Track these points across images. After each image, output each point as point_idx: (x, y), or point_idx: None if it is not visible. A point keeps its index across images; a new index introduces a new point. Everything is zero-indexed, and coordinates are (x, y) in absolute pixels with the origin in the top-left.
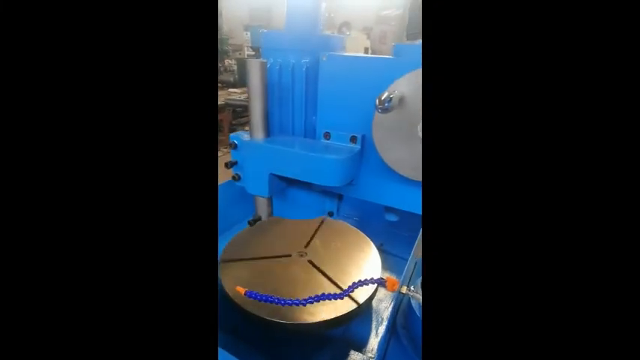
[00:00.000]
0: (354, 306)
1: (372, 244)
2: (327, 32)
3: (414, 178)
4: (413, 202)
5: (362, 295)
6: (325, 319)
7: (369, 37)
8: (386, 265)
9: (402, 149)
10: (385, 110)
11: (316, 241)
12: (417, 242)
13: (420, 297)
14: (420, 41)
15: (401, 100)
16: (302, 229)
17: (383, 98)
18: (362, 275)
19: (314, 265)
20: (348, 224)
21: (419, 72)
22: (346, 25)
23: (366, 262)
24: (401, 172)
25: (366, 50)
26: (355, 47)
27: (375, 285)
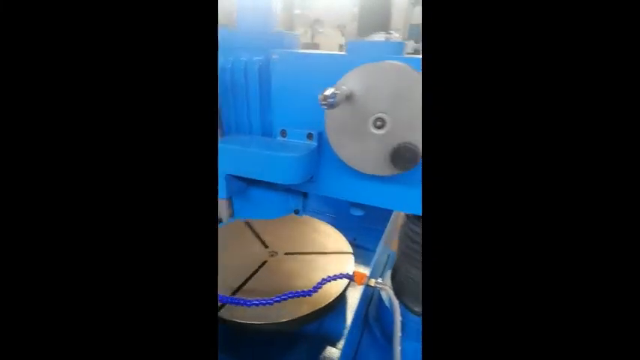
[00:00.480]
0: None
1: (344, 239)
2: (300, 30)
3: (369, 173)
4: (374, 196)
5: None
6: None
7: (343, 34)
8: (359, 260)
9: (356, 145)
10: (330, 106)
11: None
12: (384, 234)
13: (388, 288)
14: (373, 37)
15: (349, 96)
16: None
17: (327, 94)
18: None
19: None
20: (320, 220)
21: (366, 67)
22: (319, 22)
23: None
24: (357, 168)
25: (340, 47)
26: (329, 44)
27: (347, 280)
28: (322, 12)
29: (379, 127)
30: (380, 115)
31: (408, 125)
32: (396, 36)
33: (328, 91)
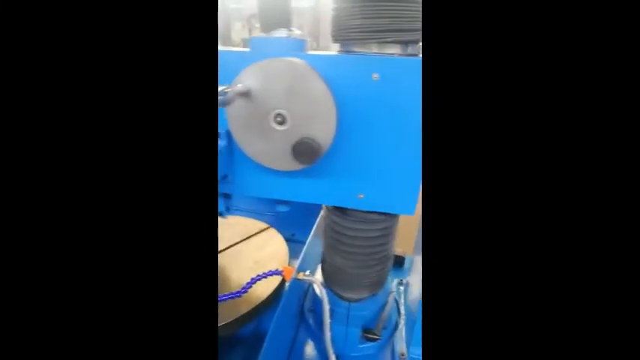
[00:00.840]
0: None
1: (279, 236)
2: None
3: (277, 168)
4: (289, 190)
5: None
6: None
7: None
8: (298, 255)
9: (260, 141)
10: (221, 104)
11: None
12: (314, 227)
13: (315, 280)
14: (275, 32)
15: (247, 92)
16: None
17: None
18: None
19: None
20: (252, 219)
21: (262, 64)
22: (255, 16)
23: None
24: (264, 164)
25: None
26: None
27: (280, 276)
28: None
29: (280, 123)
30: (279, 111)
31: (305, 120)
32: (297, 32)
33: (218, 89)
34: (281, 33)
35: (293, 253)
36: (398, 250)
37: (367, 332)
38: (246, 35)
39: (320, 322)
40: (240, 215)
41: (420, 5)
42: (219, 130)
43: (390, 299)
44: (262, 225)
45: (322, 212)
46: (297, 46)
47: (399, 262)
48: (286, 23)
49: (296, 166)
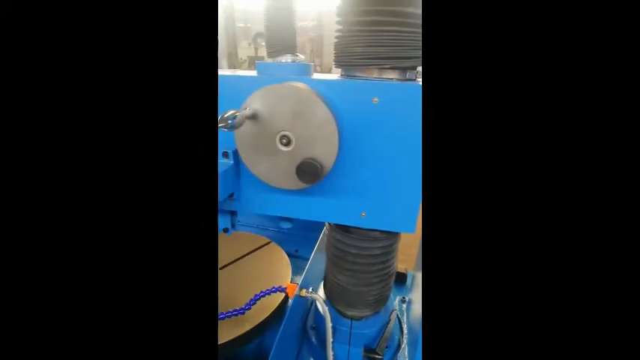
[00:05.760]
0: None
1: (282, 252)
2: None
3: (282, 187)
4: (293, 208)
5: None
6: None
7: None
8: (301, 271)
9: (267, 161)
10: (231, 128)
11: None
12: (317, 243)
13: (318, 296)
14: (281, 58)
15: (254, 115)
16: None
17: (225, 116)
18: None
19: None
20: (257, 235)
21: (268, 88)
22: (261, 35)
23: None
24: (270, 183)
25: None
26: None
27: (282, 293)
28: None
29: (286, 145)
30: (285, 133)
31: (309, 142)
32: (301, 57)
33: (227, 114)
34: (287, 58)
35: (296, 269)
36: (400, 267)
37: (369, 352)
38: (252, 53)
39: (322, 340)
40: (244, 230)
41: (418, 34)
42: (227, 151)
43: (393, 317)
44: (264, 240)
45: (325, 229)
46: (302, 71)
47: (401, 279)
48: (292, 48)
49: (300, 185)
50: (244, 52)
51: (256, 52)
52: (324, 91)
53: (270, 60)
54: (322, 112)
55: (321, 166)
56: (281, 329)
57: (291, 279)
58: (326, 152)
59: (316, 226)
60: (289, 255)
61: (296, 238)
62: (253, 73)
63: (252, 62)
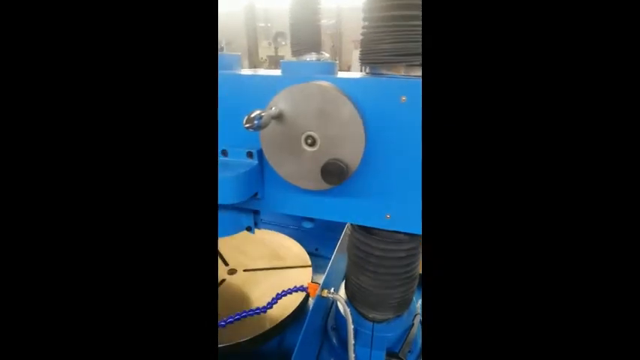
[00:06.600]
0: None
1: (304, 251)
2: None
3: (306, 188)
4: (316, 209)
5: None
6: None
7: None
8: (322, 270)
9: (292, 162)
10: (257, 128)
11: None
12: (339, 243)
13: (340, 297)
14: (305, 57)
15: (280, 115)
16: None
17: (252, 117)
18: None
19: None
20: (281, 234)
21: (293, 88)
22: (281, 35)
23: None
24: (294, 183)
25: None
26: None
27: (304, 292)
28: (284, 25)
29: (311, 145)
30: (310, 133)
31: (335, 142)
32: (326, 56)
33: (253, 114)
34: (311, 57)
35: (316, 268)
36: None
37: (392, 356)
38: (271, 53)
39: (343, 342)
40: (266, 229)
41: None
42: (251, 150)
43: (416, 321)
44: (304, 256)
45: (346, 230)
46: (327, 69)
47: None
48: (316, 46)
49: (324, 185)
50: (264, 51)
51: (276, 51)
52: (350, 89)
53: (294, 59)
54: (348, 111)
55: (346, 166)
56: (304, 328)
57: (312, 278)
58: (352, 152)
59: (337, 226)
60: (309, 253)
61: (316, 236)
62: (277, 72)
63: (273, 61)
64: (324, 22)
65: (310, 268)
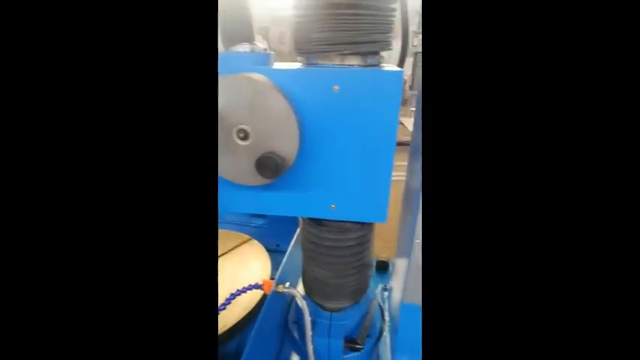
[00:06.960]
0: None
1: (262, 248)
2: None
3: (243, 184)
4: (259, 204)
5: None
6: None
7: (265, 38)
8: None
9: (225, 156)
10: None
11: None
12: (294, 237)
13: (295, 292)
14: (238, 47)
15: None
16: None
17: None
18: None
19: None
20: (233, 231)
21: (223, 80)
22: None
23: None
24: (229, 179)
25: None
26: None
27: (260, 290)
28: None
29: (243, 139)
30: (242, 126)
31: (268, 135)
32: (260, 46)
33: None
34: (244, 47)
35: (277, 265)
36: (382, 255)
37: (349, 342)
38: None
39: (304, 335)
40: (225, 228)
41: (378, 17)
42: None
43: (372, 306)
44: (243, 237)
45: (300, 223)
46: (261, 61)
47: (383, 267)
48: (249, 37)
49: (260, 180)
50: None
51: None
52: (282, 81)
53: (225, 50)
54: (280, 105)
55: (281, 159)
56: (255, 326)
57: (272, 274)
58: (286, 145)
59: (295, 220)
60: (270, 250)
61: (277, 232)
62: None
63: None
64: (282, 12)
65: (253, 240)
